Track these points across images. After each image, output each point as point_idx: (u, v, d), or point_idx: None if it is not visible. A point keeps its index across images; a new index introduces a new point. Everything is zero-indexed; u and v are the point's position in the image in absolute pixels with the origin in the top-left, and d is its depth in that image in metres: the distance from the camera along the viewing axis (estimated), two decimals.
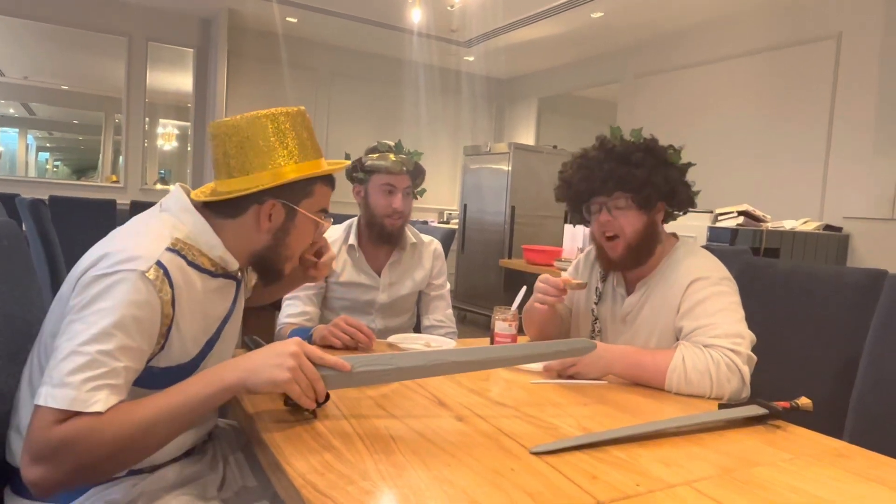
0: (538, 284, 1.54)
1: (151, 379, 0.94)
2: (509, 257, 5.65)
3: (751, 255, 3.09)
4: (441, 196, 7.83)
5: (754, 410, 1.11)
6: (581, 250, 4.39)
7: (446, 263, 2.00)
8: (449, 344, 1.58)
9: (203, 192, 1.08)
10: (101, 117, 6.93)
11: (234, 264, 1.06)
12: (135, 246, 0.91)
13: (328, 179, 1.12)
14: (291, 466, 0.81)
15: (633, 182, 1.40)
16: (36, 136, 7.49)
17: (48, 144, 7.77)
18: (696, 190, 1.50)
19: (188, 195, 1.06)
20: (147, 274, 0.88)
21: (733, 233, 3.95)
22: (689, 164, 1.49)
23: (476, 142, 6.75)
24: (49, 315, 0.96)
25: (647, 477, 0.84)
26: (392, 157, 1.76)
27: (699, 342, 1.30)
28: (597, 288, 1.60)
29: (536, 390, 1.24)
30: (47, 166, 7.80)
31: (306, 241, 1.13)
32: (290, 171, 1.04)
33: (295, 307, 1.75)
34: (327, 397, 1.02)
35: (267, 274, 1.12)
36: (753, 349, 1.31)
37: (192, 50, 6.64)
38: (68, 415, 0.81)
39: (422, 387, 1.20)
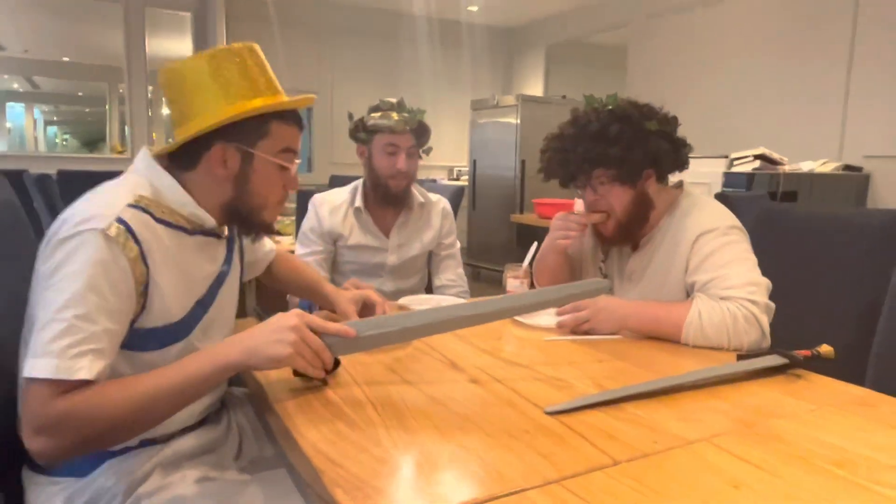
0: (556, 223, 1.50)
1: (139, 340, 0.93)
2: (521, 212, 5.60)
3: (768, 200, 3.03)
4: (449, 152, 7.72)
5: (774, 360, 1.09)
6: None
7: (456, 222, 1.97)
8: (461, 303, 1.56)
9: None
10: (104, 88, 6.87)
11: (209, 220, 1.02)
12: (94, 206, 0.89)
13: (288, 116, 1.03)
14: (303, 436, 0.80)
15: (610, 160, 1.33)
16: (43, 111, 7.45)
17: (55, 118, 7.74)
18: (688, 148, 1.42)
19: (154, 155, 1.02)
20: (108, 231, 0.86)
21: (749, 178, 3.85)
22: (672, 124, 1.40)
23: (483, 95, 6.60)
24: (31, 289, 0.95)
25: (665, 434, 0.82)
26: (395, 115, 1.71)
27: (714, 295, 1.26)
28: (603, 247, 1.56)
29: (550, 348, 1.22)
30: (57, 140, 7.79)
31: (275, 187, 1.06)
32: (234, 109, 0.97)
33: None
34: (337, 364, 1.01)
35: (246, 228, 1.08)
36: (771, 296, 1.28)
37: (189, 14, 6.50)
38: (65, 387, 0.81)
39: (434, 349, 1.19)
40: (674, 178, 1.48)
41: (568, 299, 1.16)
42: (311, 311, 1.56)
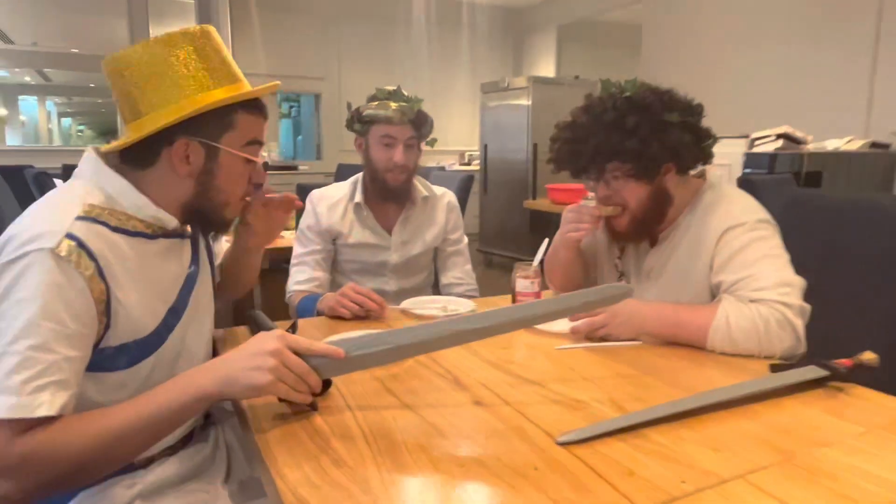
0: (567, 215, 1.40)
1: (106, 360, 0.86)
2: (534, 198, 5.47)
3: (794, 184, 2.88)
4: (461, 137, 7.58)
5: (812, 373, 0.98)
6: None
7: (467, 207, 1.86)
8: (467, 305, 1.46)
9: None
10: None
11: (170, 221, 0.95)
12: (40, 222, 0.81)
13: (254, 106, 0.96)
14: (283, 477, 0.71)
15: (625, 154, 1.22)
16: (56, 103, 7.46)
17: (69, 110, 7.74)
18: (711, 139, 1.29)
19: (102, 156, 0.94)
20: (58, 251, 0.78)
21: (771, 158, 3.69)
22: (696, 113, 1.26)
23: (493, 78, 6.44)
24: None
25: (694, 469, 0.72)
26: (392, 105, 1.60)
27: (743, 297, 1.15)
28: (618, 243, 1.44)
29: (562, 358, 1.12)
30: (71, 132, 7.79)
31: (241, 182, 0.99)
32: (197, 102, 0.89)
33: (303, 273, 1.65)
34: (328, 385, 0.93)
35: (208, 227, 1.01)
36: (804, 297, 1.17)
37: (192, 0, 6.39)
38: (24, 425, 0.73)
39: (437, 362, 1.09)
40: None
41: (584, 308, 1.03)
42: (314, 313, 1.48)
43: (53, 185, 2.88)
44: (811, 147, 3.85)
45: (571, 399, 0.93)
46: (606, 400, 0.93)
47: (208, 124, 0.92)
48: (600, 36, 7.31)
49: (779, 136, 3.77)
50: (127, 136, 0.92)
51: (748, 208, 1.25)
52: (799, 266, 1.36)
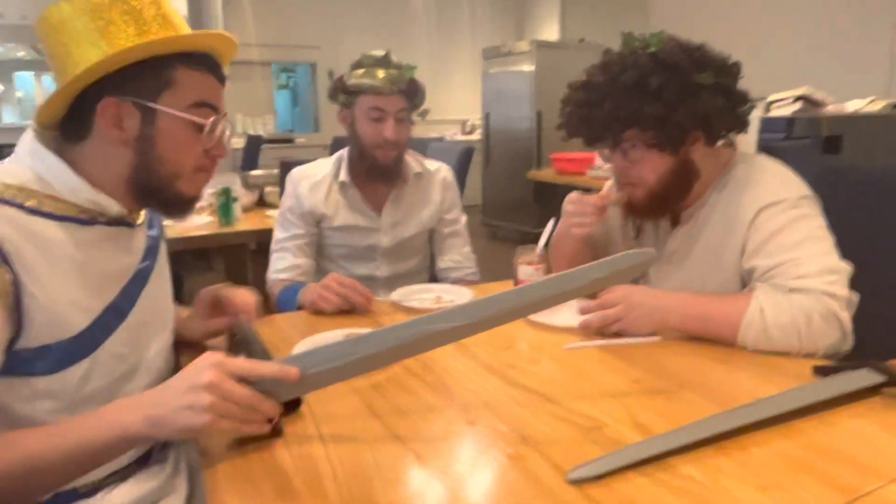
0: (568, 207, 1.24)
1: (27, 364, 0.73)
2: (538, 167, 5.28)
3: (818, 151, 2.70)
4: (462, 105, 7.34)
5: (867, 378, 0.83)
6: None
7: (470, 180, 1.70)
8: (465, 294, 1.32)
9: None
10: None
11: (112, 206, 0.82)
12: None
13: (198, 61, 0.82)
14: None
15: (646, 120, 1.05)
16: (53, 78, 7.29)
17: None
18: (749, 104, 1.12)
19: (38, 133, 0.82)
20: None
21: (789, 122, 3.49)
22: (732, 74, 1.09)
23: (494, 42, 6.19)
24: None
25: None
26: (380, 73, 1.43)
27: (781, 286, 1.00)
28: (634, 221, 1.29)
29: (571, 360, 0.98)
30: None
31: (188, 150, 0.83)
32: (121, 48, 0.76)
33: (284, 261, 1.50)
34: (298, 403, 0.79)
35: (162, 205, 0.87)
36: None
37: None
38: None
39: (427, 367, 0.95)
40: None
41: (598, 285, 0.82)
42: (295, 305, 1.33)
43: None
44: (830, 109, 3.65)
45: (583, 416, 0.79)
46: (624, 415, 0.79)
47: (142, 81, 0.78)
48: None
49: (797, 99, 3.57)
50: (46, 102, 0.79)
51: (788, 183, 1.09)
52: (839, 247, 1.20)
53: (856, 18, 4.27)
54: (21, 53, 6.85)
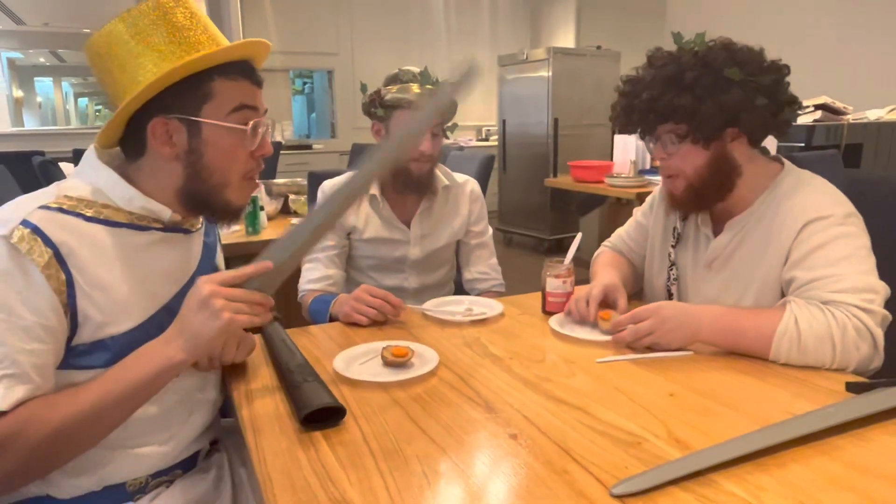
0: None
1: (83, 357, 0.80)
2: (555, 175, 5.30)
3: (839, 160, 2.69)
4: (478, 112, 7.38)
5: None
6: (634, 163, 4.02)
7: (488, 187, 1.72)
8: (495, 307, 1.34)
9: None
10: None
11: (163, 212, 0.88)
12: (2, 211, 0.79)
13: (233, 70, 0.86)
14: None
15: (678, 112, 1.09)
16: (72, 83, 7.39)
17: (85, 90, 7.68)
18: (794, 107, 1.13)
19: (97, 151, 0.90)
20: (10, 238, 0.74)
21: (809, 130, 3.49)
22: (774, 74, 1.10)
23: (511, 50, 6.21)
24: None
25: None
26: (416, 88, 1.46)
27: (817, 298, 1.01)
28: (675, 228, 1.31)
29: (605, 374, 1.00)
30: (88, 112, 7.74)
31: (234, 157, 0.88)
32: (159, 73, 0.81)
33: (316, 271, 1.53)
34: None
35: (210, 211, 0.92)
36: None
37: None
38: None
39: (466, 383, 0.98)
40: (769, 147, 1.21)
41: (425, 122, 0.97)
42: (327, 316, 1.37)
43: (60, 173, 2.79)
44: (850, 118, 3.64)
45: (621, 430, 0.81)
46: (662, 430, 0.81)
47: (183, 97, 0.84)
48: (622, 2, 7.01)
49: (817, 107, 3.56)
50: (104, 127, 0.85)
51: (835, 200, 1.10)
52: None
53: (876, 28, 4.26)
54: (42, 59, 6.97)
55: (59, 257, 0.76)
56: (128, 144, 0.88)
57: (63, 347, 0.78)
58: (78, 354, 0.80)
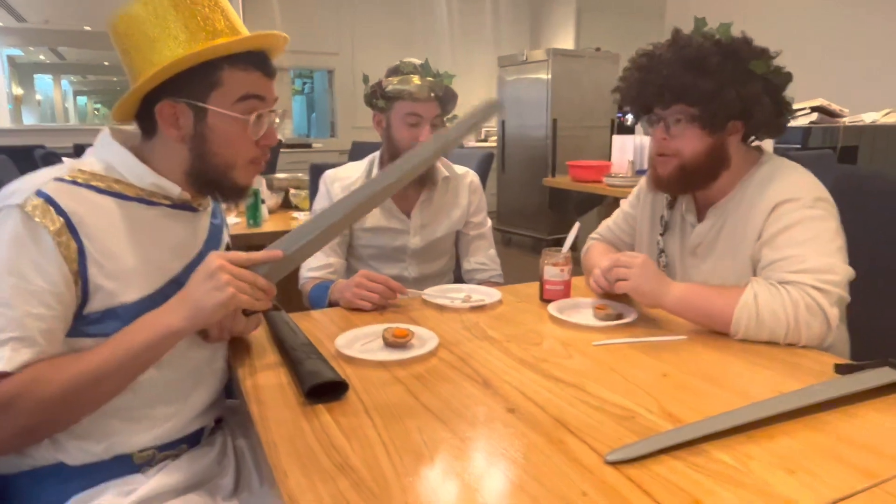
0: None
1: (94, 325, 0.83)
2: (553, 175, 5.33)
3: (834, 160, 2.73)
4: None
5: (888, 375, 0.87)
6: (632, 163, 4.05)
7: (487, 187, 1.75)
8: (493, 295, 1.37)
9: None
10: None
11: (173, 188, 0.91)
12: (18, 182, 0.81)
13: (243, 60, 0.89)
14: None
15: (695, 95, 1.12)
16: (71, 81, 7.42)
17: (84, 88, 7.70)
18: (790, 114, 1.21)
19: (113, 132, 0.93)
20: (24, 206, 0.77)
21: (805, 132, 3.53)
22: (783, 79, 1.16)
23: (510, 51, 6.24)
24: None
25: (771, 497, 0.62)
26: (417, 80, 1.48)
27: (777, 278, 1.07)
28: (662, 216, 1.35)
29: (601, 356, 1.03)
30: (88, 109, 7.76)
31: (239, 144, 0.91)
32: (168, 59, 0.84)
33: (316, 259, 1.56)
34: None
35: (219, 193, 0.95)
36: (856, 288, 1.07)
37: None
38: None
39: (465, 362, 1.00)
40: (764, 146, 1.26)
41: (466, 129, 0.95)
42: (326, 301, 1.40)
43: None
44: (846, 121, 3.67)
45: (616, 406, 0.84)
46: (655, 406, 0.83)
47: (192, 83, 0.86)
48: (622, 4, 7.05)
49: (813, 109, 3.59)
50: (119, 101, 0.88)
51: (807, 184, 1.14)
52: (851, 254, 1.25)
53: (872, 31, 4.30)
54: (42, 57, 6.99)
55: (70, 226, 0.79)
56: (141, 121, 0.91)
57: (71, 315, 0.81)
58: (89, 322, 0.82)
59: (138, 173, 0.88)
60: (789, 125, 3.71)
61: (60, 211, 0.78)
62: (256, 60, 0.90)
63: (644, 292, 1.13)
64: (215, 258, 0.81)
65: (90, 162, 0.87)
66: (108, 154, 0.89)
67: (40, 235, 0.77)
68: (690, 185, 1.23)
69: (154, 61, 0.84)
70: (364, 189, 0.92)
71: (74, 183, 0.83)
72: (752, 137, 1.23)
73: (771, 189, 1.15)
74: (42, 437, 0.83)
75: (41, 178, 0.81)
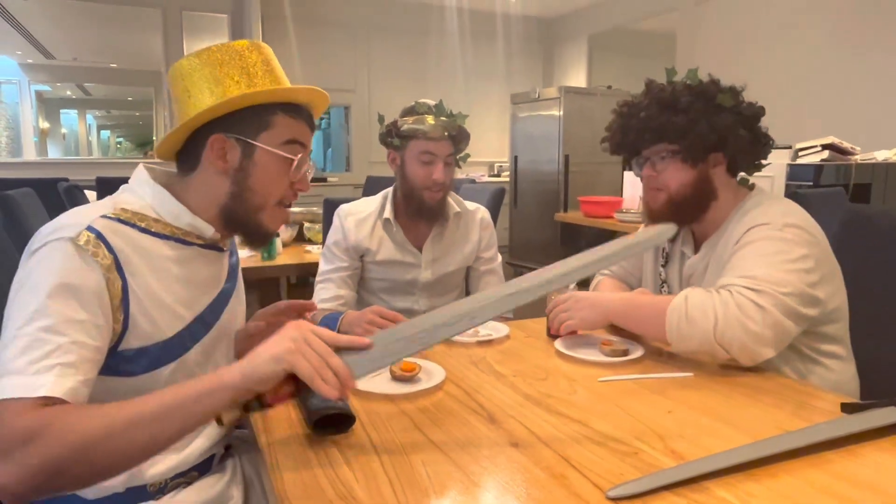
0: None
1: (127, 363, 0.84)
2: (565, 210, 5.36)
3: (845, 198, 2.73)
4: (490, 148, 7.51)
5: (892, 415, 0.87)
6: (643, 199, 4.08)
7: (497, 219, 1.79)
8: (501, 329, 1.38)
9: None
10: (151, 92, 6.95)
11: (207, 229, 0.94)
12: (67, 217, 0.84)
13: (295, 110, 0.96)
14: None
15: (672, 131, 1.21)
16: (95, 116, 7.64)
17: (108, 122, 7.93)
18: (769, 145, 1.28)
19: (149, 170, 0.97)
20: (77, 240, 0.80)
21: (817, 169, 3.53)
22: (753, 111, 1.25)
23: (523, 88, 6.36)
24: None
25: None
26: (431, 120, 1.53)
27: (717, 285, 1.11)
28: (663, 249, 1.41)
29: (606, 392, 1.03)
30: (110, 143, 7.97)
31: (276, 183, 0.96)
32: (230, 99, 0.90)
33: (327, 291, 1.59)
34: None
35: (243, 232, 0.98)
36: (859, 322, 1.14)
37: (225, 16, 6.47)
38: (28, 405, 0.70)
39: (470, 396, 1.01)
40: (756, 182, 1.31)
41: (626, 252, 1.01)
42: (336, 329, 1.42)
43: (84, 198, 2.89)
44: (858, 158, 3.68)
45: (619, 442, 0.84)
46: (659, 443, 0.84)
47: (245, 123, 0.92)
48: (632, 45, 7.18)
49: (825, 147, 3.61)
50: (165, 137, 0.93)
51: (783, 212, 1.18)
52: (859, 290, 1.25)
53: (883, 69, 4.33)
54: (68, 92, 7.22)
55: (117, 264, 0.82)
56: (184, 156, 0.96)
57: (107, 350, 0.81)
58: (122, 360, 0.84)
59: (175, 213, 0.92)
60: (801, 163, 3.73)
61: (110, 248, 0.82)
62: (304, 112, 0.98)
63: (591, 320, 1.23)
64: (301, 323, 0.78)
65: (130, 200, 0.91)
66: (146, 192, 0.93)
67: (92, 269, 0.79)
68: (681, 216, 1.27)
69: (217, 94, 0.91)
70: (486, 304, 0.86)
71: (119, 221, 0.86)
72: (741, 174, 1.29)
73: (747, 217, 1.20)
74: (66, 483, 0.74)
75: (89, 213, 0.84)
